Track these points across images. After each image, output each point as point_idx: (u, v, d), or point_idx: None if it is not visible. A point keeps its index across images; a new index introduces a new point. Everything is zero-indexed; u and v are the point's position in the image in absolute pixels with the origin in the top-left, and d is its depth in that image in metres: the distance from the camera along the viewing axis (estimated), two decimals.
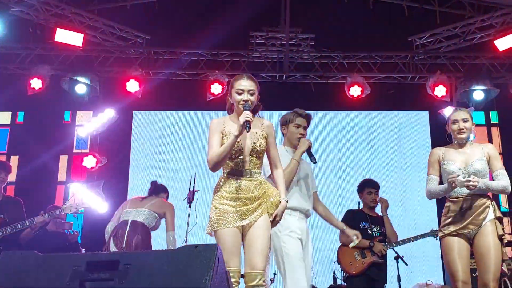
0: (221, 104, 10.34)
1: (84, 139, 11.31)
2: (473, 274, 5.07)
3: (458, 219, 5.08)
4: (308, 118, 5.75)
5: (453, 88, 11.00)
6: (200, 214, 8.37)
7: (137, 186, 11.50)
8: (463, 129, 5.27)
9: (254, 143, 4.62)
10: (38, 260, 2.87)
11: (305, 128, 5.69)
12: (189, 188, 8.18)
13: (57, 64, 10.93)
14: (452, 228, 5.08)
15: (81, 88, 10.79)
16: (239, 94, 4.65)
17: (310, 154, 5.49)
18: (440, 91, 10.78)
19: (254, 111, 4.78)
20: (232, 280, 4.19)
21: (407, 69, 11.44)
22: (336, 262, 8.34)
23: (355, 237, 5.50)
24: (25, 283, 2.77)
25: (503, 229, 5.13)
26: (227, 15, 9.84)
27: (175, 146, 11.79)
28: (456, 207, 5.12)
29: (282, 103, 10.17)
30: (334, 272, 8.77)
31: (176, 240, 7.20)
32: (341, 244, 8.03)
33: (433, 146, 10.82)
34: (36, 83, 10.59)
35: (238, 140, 4.53)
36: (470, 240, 5.09)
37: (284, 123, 5.75)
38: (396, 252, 8.38)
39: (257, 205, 4.52)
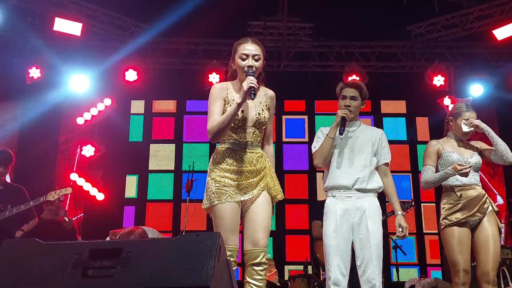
0: None
1: (83, 128, 11.30)
2: (472, 264, 5.10)
3: (467, 206, 5.09)
4: (355, 86, 5.05)
5: (451, 78, 11.02)
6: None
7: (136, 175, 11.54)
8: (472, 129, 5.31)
9: (259, 113, 4.29)
10: (40, 248, 2.88)
11: (353, 98, 4.98)
12: (187, 177, 8.21)
13: (55, 53, 10.91)
14: (460, 216, 5.08)
15: (79, 77, 10.82)
16: (243, 59, 4.30)
17: (341, 125, 4.84)
18: (438, 80, 10.81)
19: (257, 79, 4.38)
20: (231, 259, 3.92)
21: (405, 58, 11.45)
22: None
23: (400, 229, 4.82)
24: (28, 271, 2.78)
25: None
26: (225, 4, 9.81)
27: (173, 135, 11.78)
28: (463, 195, 5.14)
29: (279, 93, 10.18)
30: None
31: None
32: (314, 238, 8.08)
33: (432, 136, 10.92)
34: (34, 72, 10.65)
35: (242, 109, 4.19)
36: (471, 229, 5.13)
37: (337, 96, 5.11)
38: (394, 242, 8.43)
39: (258, 179, 4.21)
